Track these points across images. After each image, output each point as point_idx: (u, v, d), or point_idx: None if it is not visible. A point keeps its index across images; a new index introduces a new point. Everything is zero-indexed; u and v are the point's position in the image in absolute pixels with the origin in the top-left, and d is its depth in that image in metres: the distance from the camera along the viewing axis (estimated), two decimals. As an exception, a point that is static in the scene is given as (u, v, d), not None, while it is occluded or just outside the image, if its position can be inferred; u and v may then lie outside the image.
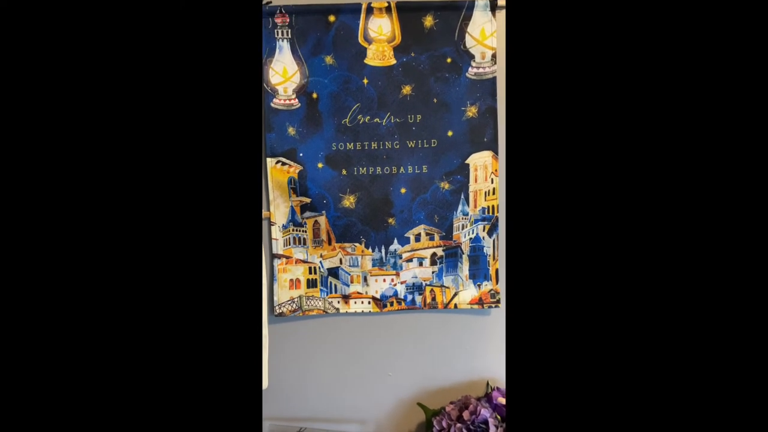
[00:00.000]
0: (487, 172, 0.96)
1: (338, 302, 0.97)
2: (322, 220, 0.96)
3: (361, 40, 0.93)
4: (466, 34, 0.93)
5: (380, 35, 0.93)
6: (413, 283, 0.98)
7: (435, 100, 0.94)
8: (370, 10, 0.92)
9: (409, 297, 0.98)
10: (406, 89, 0.94)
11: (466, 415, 0.86)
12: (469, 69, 0.94)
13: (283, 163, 0.95)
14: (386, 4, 0.92)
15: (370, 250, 0.97)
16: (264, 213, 0.96)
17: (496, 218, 0.97)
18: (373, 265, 0.97)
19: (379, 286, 0.97)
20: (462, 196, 0.96)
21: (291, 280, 0.97)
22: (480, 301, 0.98)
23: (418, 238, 0.97)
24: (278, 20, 0.92)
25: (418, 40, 0.93)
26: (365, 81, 0.93)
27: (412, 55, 0.93)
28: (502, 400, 0.88)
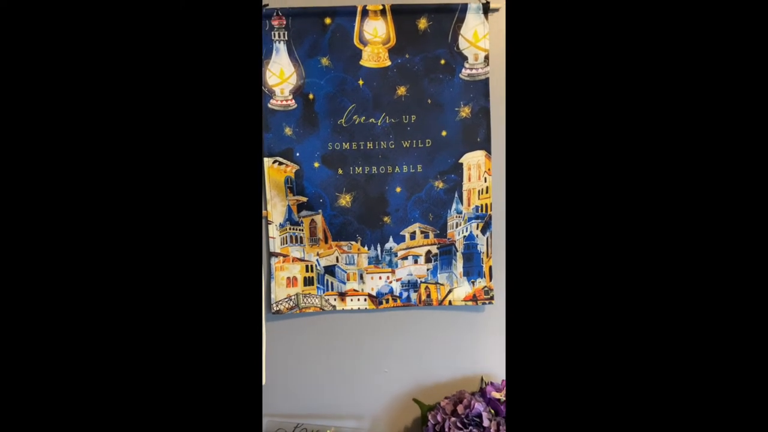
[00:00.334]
0: (480, 171, 0.98)
1: (335, 300, 0.99)
2: (319, 218, 0.97)
3: (356, 42, 0.95)
4: (459, 36, 0.95)
5: (375, 37, 0.95)
6: (408, 281, 0.99)
7: (429, 101, 0.96)
8: (365, 13, 0.94)
9: (405, 294, 0.99)
10: (401, 90, 0.96)
11: (460, 409, 0.88)
12: (463, 70, 0.96)
13: (280, 163, 0.96)
14: (381, 7, 0.94)
15: (366, 248, 0.98)
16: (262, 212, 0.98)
17: (490, 216, 0.99)
18: (369, 263, 0.99)
19: (375, 283, 0.99)
20: (456, 195, 0.98)
21: (288, 278, 0.98)
22: (474, 298, 1.00)
23: (413, 236, 0.99)
24: (275, 22, 0.94)
25: (412, 42, 0.95)
26: (361, 82, 0.95)
27: (407, 56, 0.95)
28: (496, 395, 0.90)
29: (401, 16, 0.94)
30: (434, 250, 0.99)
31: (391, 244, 0.98)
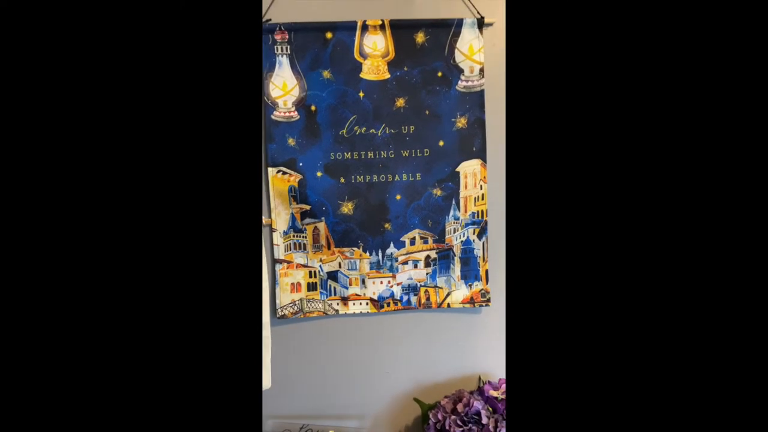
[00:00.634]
0: (476, 179, 1.02)
1: (337, 304, 1.02)
2: (322, 226, 1.01)
3: (356, 55, 0.98)
4: (456, 50, 0.99)
5: (375, 51, 0.98)
6: (408, 285, 1.03)
7: (427, 112, 1.00)
8: (365, 28, 0.98)
9: (405, 298, 1.03)
10: (400, 102, 0.99)
11: (459, 407, 0.92)
12: (459, 82, 1.00)
13: (284, 173, 1.00)
14: (380, 22, 0.98)
15: (367, 253, 1.02)
16: (266, 220, 1.01)
17: (485, 222, 1.03)
18: (371, 268, 1.02)
19: (377, 287, 1.03)
20: (453, 202, 1.02)
21: (292, 283, 1.02)
22: (471, 301, 1.04)
23: (413, 242, 1.02)
24: (278, 37, 0.97)
25: (410, 56, 0.99)
26: (361, 94, 0.99)
27: (405, 69, 0.99)
28: (494, 393, 0.94)
29: (400, 31, 0.98)
30: (433, 254, 1.03)
31: (391, 249, 1.02)
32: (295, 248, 1.01)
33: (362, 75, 0.98)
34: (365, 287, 1.02)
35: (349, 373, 1.04)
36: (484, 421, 0.88)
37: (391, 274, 1.02)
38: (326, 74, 0.98)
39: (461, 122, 1.01)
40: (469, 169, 1.02)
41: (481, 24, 0.99)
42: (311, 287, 1.02)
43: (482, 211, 1.03)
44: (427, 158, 1.01)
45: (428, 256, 1.03)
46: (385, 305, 1.03)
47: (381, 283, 1.02)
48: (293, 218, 1.01)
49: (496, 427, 0.88)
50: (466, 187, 1.02)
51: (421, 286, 1.03)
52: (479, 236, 1.03)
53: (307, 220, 1.01)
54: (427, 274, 1.03)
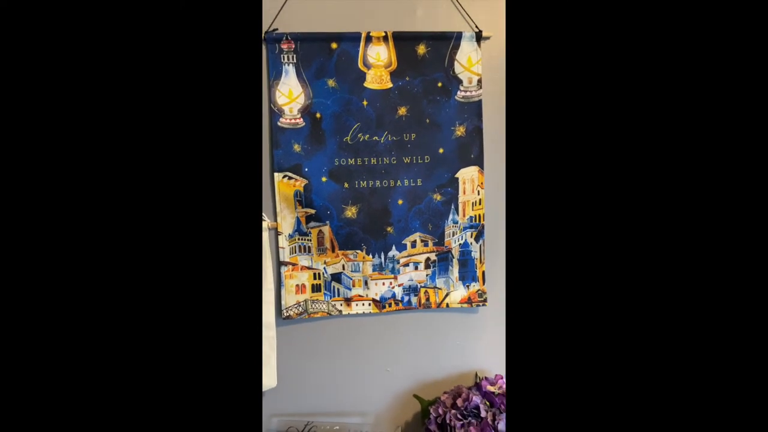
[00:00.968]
0: (474, 185, 1.07)
1: (341, 305, 1.06)
2: (326, 229, 1.04)
3: (360, 65, 1.02)
4: (455, 62, 1.04)
5: (378, 61, 1.02)
6: (409, 286, 1.07)
7: (427, 121, 1.04)
8: (369, 39, 1.02)
9: (406, 298, 1.07)
10: (402, 110, 1.04)
11: (459, 402, 0.97)
12: (458, 92, 1.05)
13: (290, 177, 1.03)
14: (383, 34, 1.02)
15: (370, 256, 1.06)
16: (271, 224, 1.04)
17: (482, 226, 1.08)
18: (373, 270, 1.06)
19: (379, 288, 1.06)
20: (452, 207, 1.07)
21: (297, 285, 1.05)
22: (469, 301, 1.09)
23: (413, 245, 1.07)
24: (284, 46, 1.00)
25: (412, 66, 1.03)
26: (365, 102, 1.02)
27: (407, 79, 1.03)
28: (491, 388, 0.99)
29: (402, 43, 1.02)
30: (433, 257, 1.07)
31: (393, 252, 1.06)
32: (300, 251, 1.04)
33: (366, 84, 1.02)
34: (368, 288, 1.06)
35: (352, 371, 1.08)
36: (483, 414, 0.93)
37: (392, 276, 1.06)
38: (331, 83, 1.01)
39: (460, 131, 1.05)
40: (467, 175, 1.06)
41: (479, 37, 1.04)
42: (315, 289, 1.05)
43: (479, 215, 1.08)
44: (427, 165, 1.05)
45: (428, 258, 1.07)
46: (387, 306, 1.07)
47: (383, 284, 1.06)
48: (298, 222, 1.04)
49: (494, 419, 0.93)
50: (464, 193, 1.07)
51: (421, 287, 1.08)
52: (476, 239, 1.08)
53: (312, 224, 1.04)
54: (426, 275, 1.07)
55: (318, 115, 1.02)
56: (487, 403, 0.97)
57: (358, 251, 1.05)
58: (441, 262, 1.08)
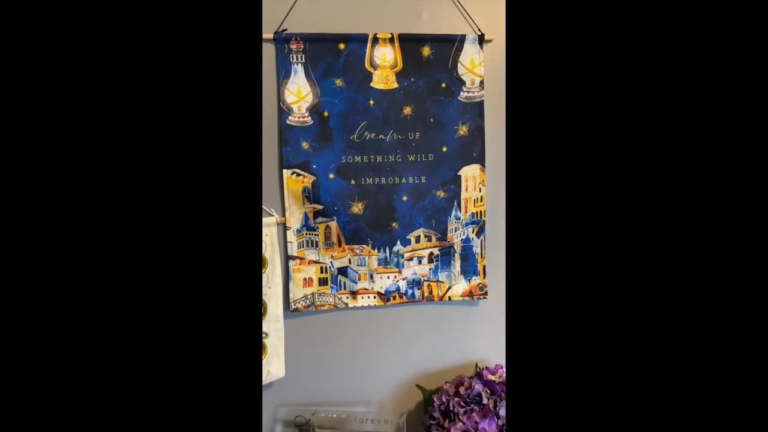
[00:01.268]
0: (476, 183, 1.11)
1: (347, 298, 1.09)
2: (333, 224, 1.07)
3: (367, 65, 1.05)
4: (458, 63, 1.08)
5: (384, 62, 1.06)
6: (413, 279, 1.11)
7: (432, 120, 1.08)
8: (375, 40, 1.05)
9: (410, 291, 1.11)
10: (407, 110, 1.07)
11: (462, 390, 1.01)
12: (461, 93, 1.09)
13: (298, 174, 1.06)
14: (390, 36, 1.05)
15: (376, 250, 1.09)
16: (280, 219, 1.07)
17: (483, 222, 1.12)
18: (379, 264, 1.10)
19: (384, 282, 1.10)
20: (455, 203, 1.11)
21: (304, 278, 1.08)
22: (470, 294, 1.13)
23: (417, 240, 1.10)
24: (293, 46, 1.03)
25: (417, 67, 1.06)
26: (371, 102, 1.06)
27: (412, 80, 1.07)
28: (492, 377, 1.03)
29: (407, 44, 1.06)
30: (436, 251, 1.11)
31: (398, 247, 1.10)
32: (307, 245, 1.07)
33: (372, 84, 1.05)
34: (373, 282, 1.10)
35: (357, 362, 1.12)
36: (485, 401, 0.98)
37: (397, 270, 1.10)
38: (339, 82, 1.04)
39: (463, 130, 1.09)
40: (469, 173, 1.10)
41: (481, 40, 1.08)
42: (322, 282, 1.08)
43: (481, 212, 1.12)
44: (431, 162, 1.09)
45: (431, 253, 1.11)
46: (391, 299, 1.10)
47: (388, 278, 1.10)
48: (306, 217, 1.07)
49: (495, 406, 0.97)
50: (466, 190, 1.11)
51: (424, 280, 1.11)
52: (478, 234, 1.12)
53: (320, 219, 1.07)
54: (430, 269, 1.11)
55: (326, 114, 1.05)
56: (488, 391, 1.01)
57: (364, 246, 1.09)
58: (444, 257, 1.12)
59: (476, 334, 1.15)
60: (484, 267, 1.13)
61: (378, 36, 1.04)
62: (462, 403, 0.98)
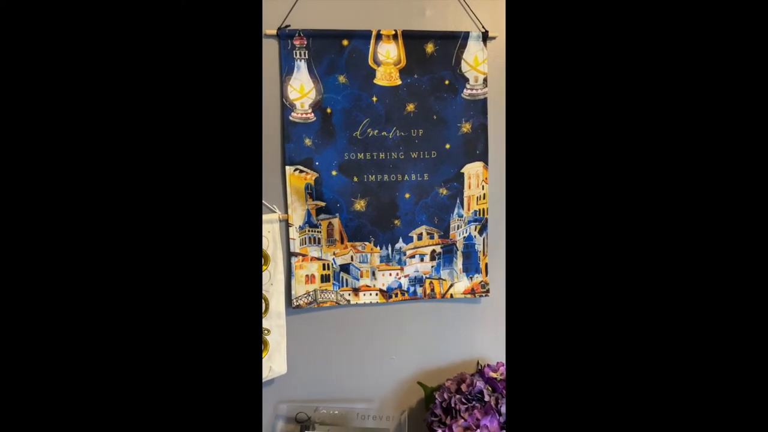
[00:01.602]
0: (479, 180, 1.11)
1: (349, 295, 1.09)
2: (336, 221, 1.07)
3: (370, 62, 1.05)
4: (462, 60, 1.08)
5: (388, 59, 1.05)
6: (415, 277, 1.11)
7: (435, 117, 1.08)
8: (379, 37, 1.04)
9: (412, 289, 1.11)
10: (410, 107, 1.07)
11: (463, 387, 1.01)
12: (464, 90, 1.08)
13: (301, 171, 1.05)
14: (393, 32, 1.05)
15: (378, 248, 1.09)
16: (282, 215, 1.07)
17: (486, 220, 1.12)
18: (381, 261, 1.10)
19: (386, 279, 1.10)
20: (458, 201, 1.11)
21: (307, 275, 1.08)
22: (472, 291, 1.13)
23: (420, 237, 1.10)
24: (297, 42, 1.03)
25: (420, 64, 1.06)
26: (374, 99, 1.05)
27: (416, 77, 1.06)
28: (493, 374, 1.04)
29: (411, 41, 1.05)
30: (438, 249, 1.11)
31: (400, 244, 1.10)
32: (310, 242, 1.07)
33: (375, 81, 1.05)
34: (375, 279, 1.10)
35: (359, 359, 1.12)
36: (486, 398, 0.98)
37: (399, 267, 1.10)
38: (342, 79, 1.04)
39: (466, 127, 1.09)
40: (472, 170, 1.10)
41: (485, 37, 1.07)
42: (325, 279, 1.08)
43: (483, 210, 1.12)
44: (434, 160, 1.09)
45: (433, 251, 1.11)
46: (393, 296, 1.11)
47: (390, 275, 1.10)
48: (309, 214, 1.07)
49: (496, 403, 0.97)
50: (469, 187, 1.11)
51: (426, 278, 1.11)
52: (480, 232, 1.12)
53: (322, 216, 1.07)
54: (432, 267, 1.11)
55: (329, 111, 1.04)
56: (490, 388, 1.02)
57: (366, 243, 1.09)
58: (446, 254, 1.12)
59: (478, 332, 1.15)
60: (486, 265, 1.13)
61: (381, 32, 1.04)
62: (464, 400, 0.99)
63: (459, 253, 1.12)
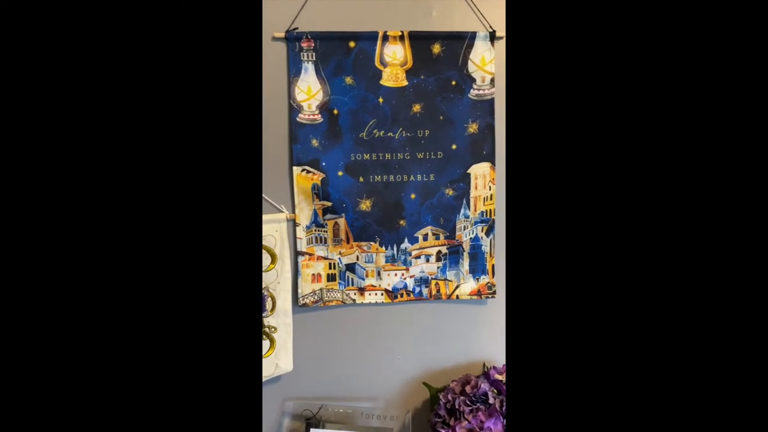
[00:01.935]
0: (485, 181, 1.10)
1: (355, 294, 1.10)
2: (342, 221, 1.08)
3: (377, 63, 1.06)
4: (469, 61, 1.07)
5: (394, 60, 1.06)
6: (421, 277, 1.11)
7: (441, 117, 1.08)
8: (385, 38, 1.05)
9: (417, 289, 1.11)
10: (416, 107, 1.07)
11: (468, 389, 1.01)
12: (471, 91, 1.08)
13: (308, 171, 1.07)
14: (400, 33, 1.05)
15: (383, 248, 1.10)
16: (290, 215, 1.08)
17: (493, 221, 1.11)
18: (386, 261, 1.10)
19: (391, 279, 1.10)
20: (464, 201, 1.10)
21: (313, 274, 1.09)
22: (478, 293, 1.12)
23: (425, 238, 1.10)
24: (304, 44, 1.04)
25: (427, 65, 1.06)
26: (380, 100, 1.06)
27: (422, 77, 1.06)
28: (498, 377, 1.03)
29: (417, 42, 1.05)
30: (444, 250, 1.11)
31: (406, 244, 1.10)
32: (316, 242, 1.09)
33: (382, 82, 1.06)
34: (380, 279, 1.10)
35: (364, 358, 1.12)
36: (491, 401, 0.97)
37: (404, 267, 1.10)
38: (348, 80, 1.05)
39: (473, 128, 1.09)
40: (479, 171, 1.10)
41: (492, 37, 1.07)
42: (331, 278, 1.09)
43: (490, 211, 1.11)
44: (440, 160, 1.08)
45: (439, 251, 1.11)
46: (399, 296, 1.11)
47: (395, 275, 1.10)
48: (315, 214, 1.08)
49: (501, 406, 0.96)
50: (476, 188, 1.10)
51: (432, 278, 1.11)
52: (487, 234, 1.11)
53: (329, 216, 1.08)
54: (437, 267, 1.11)
55: (335, 112, 1.06)
56: (495, 390, 1.01)
57: (372, 243, 1.09)
58: (452, 255, 1.11)
59: (484, 334, 1.14)
60: (492, 266, 1.12)
61: (388, 34, 1.05)
62: (468, 401, 0.98)
63: (465, 254, 1.11)
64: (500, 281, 1.13)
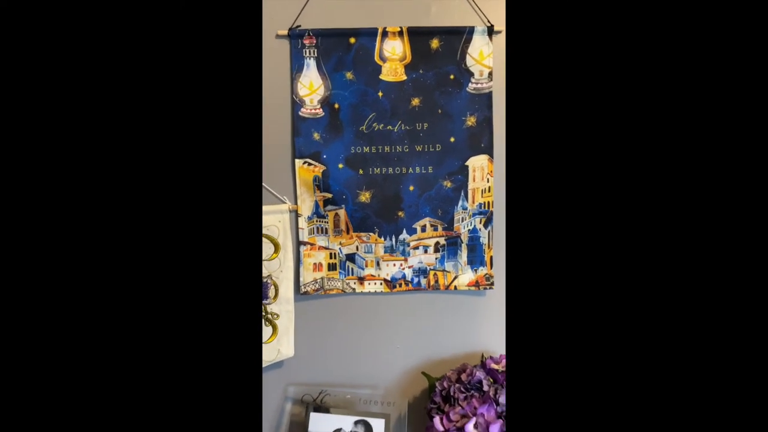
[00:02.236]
0: (483, 173, 1.12)
1: (354, 283, 1.13)
2: (342, 212, 1.12)
3: (377, 58, 1.08)
4: (467, 55, 1.09)
5: (393, 55, 1.09)
6: (419, 268, 1.13)
7: (440, 111, 1.10)
8: (385, 34, 1.08)
9: (416, 279, 1.14)
10: (415, 101, 1.09)
11: (463, 377, 1.02)
12: (469, 84, 1.10)
13: (309, 164, 1.10)
14: (399, 29, 1.08)
15: (382, 239, 1.12)
16: (292, 206, 1.12)
17: (491, 213, 1.13)
18: (385, 252, 1.13)
19: (390, 269, 1.13)
20: (462, 194, 1.12)
21: (314, 263, 1.13)
22: (476, 284, 1.14)
23: (423, 229, 1.13)
24: (306, 41, 1.08)
25: (425, 60, 1.08)
26: (380, 94, 1.09)
27: (421, 72, 1.09)
28: (495, 366, 1.04)
29: (416, 37, 1.08)
30: (442, 241, 1.13)
31: (404, 235, 1.13)
32: (317, 232, 1.12)
33: (381, 76, 1.09)
34: (380, 269, 1.13)
35: (364, 346, 1.15)
36: (485, 388, 0.99)
37: (403, 258, 1.13)
38: (349, 75, 1.08)
39: (471, 121, 1.10)
40: (477, 163, 1.11)
41: (490, 32, 1.08)
42: (331, 267, 1.13)
43: (488, 203, 1.12)
44: (438, 153, 1.10)
45: (437, 243, 1.13)
46: (398, 286, 1.13)
47: (394, 265, 1.13)
48: (317, 205, 1.12)
49: (495, 394, 0.98)
50: (474, 180, 1.12)
51: (430, 269, 1.13)
52: (485, 225, 1.13)
53: (329, 207, 1.11)
54: (436, 258, 1.13)
55: (336, 106, 1.09)
56: (491, 379, 1.02)
57: (371, 234, 1.12)
58: (450, 247, 1.13)
59: (482, 324, 1.16)
60: (491, 258, 1.13)
61: (387, 30, 1.07)
62: (462, 389, 1.00)
63: (463, 245, 1.13)
64: (498, 273, 1.14)
